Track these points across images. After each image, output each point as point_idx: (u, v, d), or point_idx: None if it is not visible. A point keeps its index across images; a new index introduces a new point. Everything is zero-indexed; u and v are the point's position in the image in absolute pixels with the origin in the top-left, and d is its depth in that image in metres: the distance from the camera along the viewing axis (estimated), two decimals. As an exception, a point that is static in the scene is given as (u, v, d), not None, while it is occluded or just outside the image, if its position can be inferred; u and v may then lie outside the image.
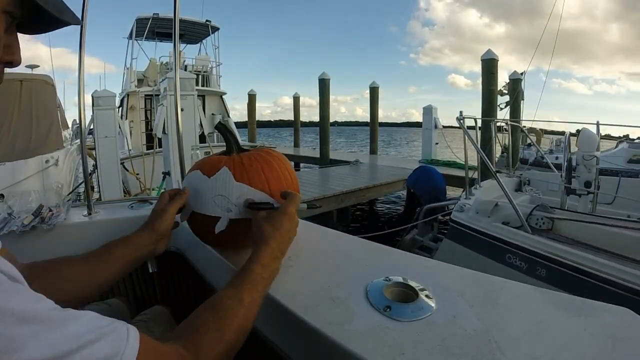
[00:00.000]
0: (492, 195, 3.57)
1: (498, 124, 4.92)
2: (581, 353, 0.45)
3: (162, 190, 4.24)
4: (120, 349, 0.36)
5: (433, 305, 0.55)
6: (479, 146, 3.73)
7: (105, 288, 0.72)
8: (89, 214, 1.12)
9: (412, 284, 0.60)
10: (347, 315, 0.55)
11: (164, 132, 3.95)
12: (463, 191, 3.64)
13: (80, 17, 1.29)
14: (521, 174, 4.50)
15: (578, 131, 3.84)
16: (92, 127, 4.67)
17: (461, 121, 3.49)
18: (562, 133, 10.13)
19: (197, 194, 0.74)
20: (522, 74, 8.40)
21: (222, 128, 0.82)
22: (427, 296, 0.57)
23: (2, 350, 0.29)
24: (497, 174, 4.16)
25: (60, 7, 0.44)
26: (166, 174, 3.88)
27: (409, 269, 0.67)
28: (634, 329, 0.48)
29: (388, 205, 9.06)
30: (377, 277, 0.64)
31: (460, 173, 7.37)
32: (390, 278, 0.63)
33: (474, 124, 3.72)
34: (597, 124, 4.10)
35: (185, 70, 8.85)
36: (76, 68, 1.28)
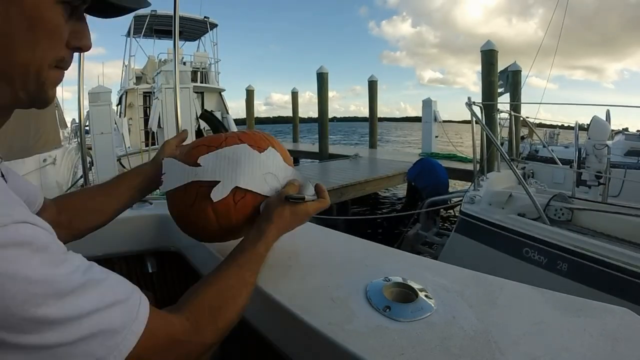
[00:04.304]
0: (501, 186, 3.37)
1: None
2: (581, 353, 0.44)
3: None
4: (127, 324, 0.37)
5: (433, 305, 0.55)
6: (482, 136, 3.61)
7: (114, 217, 0.75)
8: None
9: (412, 284, 0.60)
10: (346, 315, 0.55)
11: (159, 126, 3.91)
12: (471, 183, 3.45)
13: None
14: (524, 167, 4.40)
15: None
16: (87, 124, 4.61)
17: (471, 107, 3.24)
18: (554, 127, 10.10)
19: (243, 169, 0.66)
20: (504, 69, 8.33)
21: (208, 115, 0.80)
22: (426, 296, 0.57)
23: (17, 312, 0.30)
24: (501, 167, 4.01)
25: None
26: None
27: (408, 269, 0.67)
28: (634, 329, 0.48)
29: (388, 199, 9.06)
30: (376, 277, 0.63)
31: (460, 166, 7.33)
32: (389, 278, 0.62)
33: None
34: (607, 113, 3.91)
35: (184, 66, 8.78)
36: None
